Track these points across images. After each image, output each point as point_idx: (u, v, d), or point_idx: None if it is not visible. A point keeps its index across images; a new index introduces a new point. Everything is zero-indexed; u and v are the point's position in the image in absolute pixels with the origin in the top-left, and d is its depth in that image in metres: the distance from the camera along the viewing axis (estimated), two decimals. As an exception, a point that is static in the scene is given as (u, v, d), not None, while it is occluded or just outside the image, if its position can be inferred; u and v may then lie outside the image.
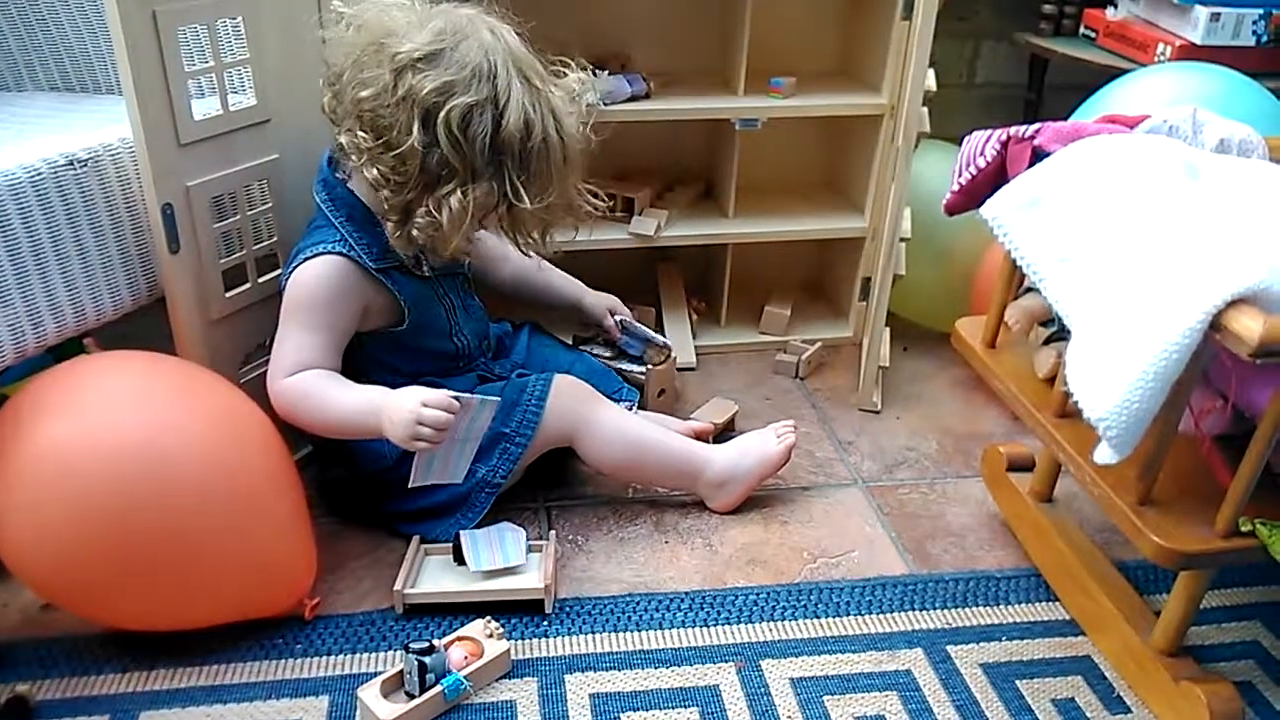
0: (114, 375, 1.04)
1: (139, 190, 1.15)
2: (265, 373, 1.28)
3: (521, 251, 1.23)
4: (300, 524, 1.12)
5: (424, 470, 1.15)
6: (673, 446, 1.32)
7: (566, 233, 1.24)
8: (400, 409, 1.10)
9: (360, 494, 1.28)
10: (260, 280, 1.27)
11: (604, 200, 1.25)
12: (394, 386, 1.15)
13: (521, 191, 1.12)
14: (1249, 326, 0.79)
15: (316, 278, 1.16)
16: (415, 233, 1.12)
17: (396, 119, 1.08)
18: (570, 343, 1.51)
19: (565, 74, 1.18)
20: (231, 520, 1.02)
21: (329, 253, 1.17)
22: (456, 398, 1.11)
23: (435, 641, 1.04)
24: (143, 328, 1.24)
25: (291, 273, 1.19)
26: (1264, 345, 0.78)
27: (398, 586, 1.13)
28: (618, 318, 1.51)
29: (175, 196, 1.13)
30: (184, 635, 1.08)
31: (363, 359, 1.22)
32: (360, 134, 1.11)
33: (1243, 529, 0.91)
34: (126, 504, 0.96)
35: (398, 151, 1.09)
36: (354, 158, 1.14)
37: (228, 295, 1.23)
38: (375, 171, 1.11)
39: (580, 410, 1.27)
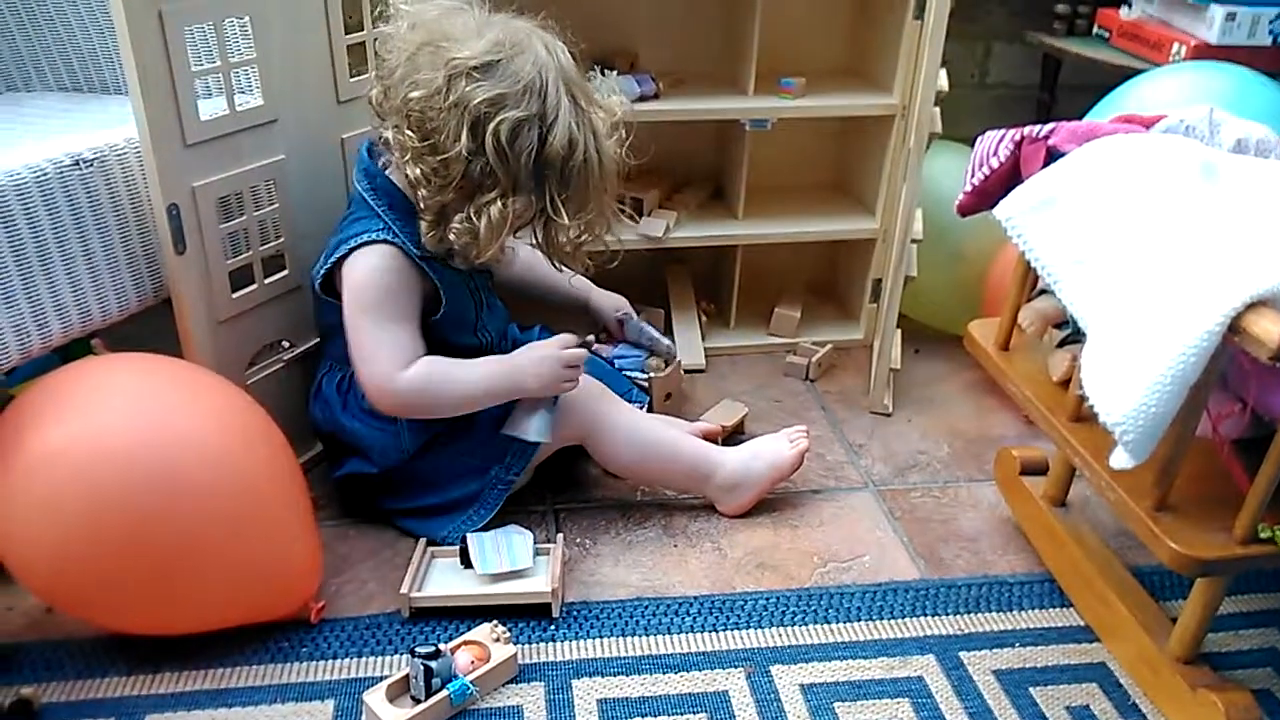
0: (118, 377, 1.03)
1: (145, 190, 1.14)
2: (273, 372, 1.30)
3: (554, 264, 1.24)
4: (306, 527, 1.11)
5: (522, 422, 1.22)
6: (685, 448, 1.31)
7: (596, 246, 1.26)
8: (542, 358, 1.20)
9: (372, 492, 1.27)
10: (267, 281, 1.27)
11: (635, 219, 1.28)
12: None
13: (560, 207, 1.14)
14: (1269, 329, 0.78)
15: (377, 269, 1.16)
16: (451, 235, 1.14)
17: (445, 123, 1.10)
18: None
19: (609, 97, 1.20)
20: (237, 524, 1.02)
21: (378, 241, 1.17)
22: (583, 342, 1.22)
23: (441, 645, 1.03)
24: (151, 328, 1.23)
25: (330, 264, 1.18)
26: (1285, 348, 0.77)
27: (404, 590, 1.13)
28: (622, 313, 1.49)
29: (181, 197, 1.13)
30: (189, 639, 1.07)
31: None
32: (407, 132, 1.12)
33: (1262, 535, 0.90)
34: (130, 507, 0.95)
35: (443, 156, 1.10)
36: (396, 153, 1.15)
37: (234, 296, 1.23)
38: (417, 171, 1.12)
39: (595, 409, 1.27)
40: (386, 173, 1.19)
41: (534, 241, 1.22)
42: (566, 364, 1.20)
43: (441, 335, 1.23)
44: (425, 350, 1.18)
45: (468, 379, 1.18)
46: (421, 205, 1.15)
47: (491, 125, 1.08)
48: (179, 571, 0.99)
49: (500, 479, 1.24)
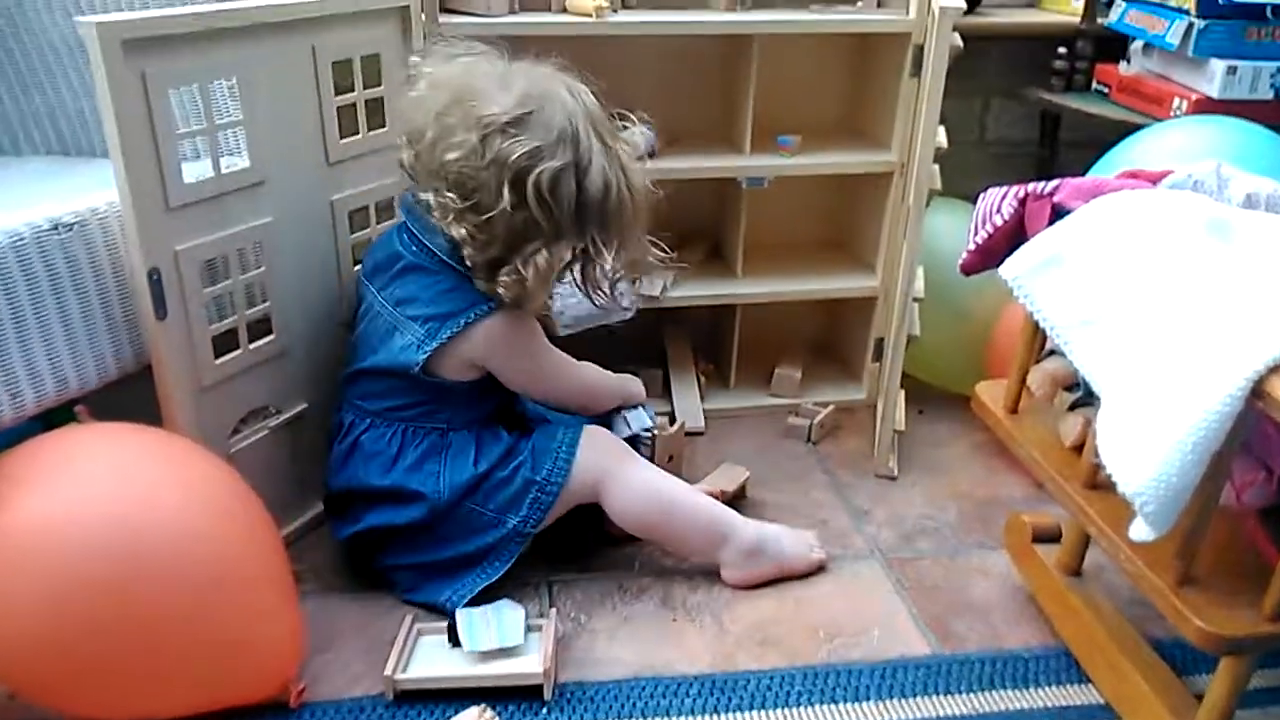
0: (89, 448, 0.99)
1: (126, 255, 1.11)
2: (257, 440, 1.26)
3: (590, 299, 1.25)
4: (286, 603, 1.06)
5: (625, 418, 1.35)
6: (703, 506, 1.27)
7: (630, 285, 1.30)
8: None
9: (380, 549, 1.23)
10: (252, 346, 1.23)
11: (666, 251, 1.28)
12: (462, 423, 1.22)
13: (601, 247, 1.17)
14: (1295, 394, 0.74)
15: (516, 327, 1.20)
16: (500, 290, 1.14)
17: (486, 181, 1.11)
18: None
19: (628, 128, 1.22)
20: (211, 601, 0.97)
21: (491, 314, 1.17)
22: None
23: (426, 732, 0.97)
24: (137, 395, 1.19)
25: (454, 334, 1.16)
26: (1312, 414, 0.73)
27: (388, 671, 1.07)
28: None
29: (163, 261, 1.10)
30: (160, 725, 1.01)
31: (454, 392, 1.20)
32: (448, 194, 1.13)
33: (1293, 611, 0.85)
34: (96, 585, 0.90)
35: (488, 214, 1.11)
36: (438, 214, 1.15)
37: (218, 362, 1.19)
38: (462, 230, 1.13)
39: (609, 463, 1.24)
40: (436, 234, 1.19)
41: (572, 279, 1.23)
42: None
43: (485, 390, 1.23)
44: None
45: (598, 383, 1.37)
46: (469, 263, 1.15)
47: (532, 178, 1.09)
48: (149, 653, 0.94)
49: (518, 531, 1.20)
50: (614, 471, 1.23)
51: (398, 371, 1.18)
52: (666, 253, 1.28)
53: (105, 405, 1.24)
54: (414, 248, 1.19)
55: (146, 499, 0.95)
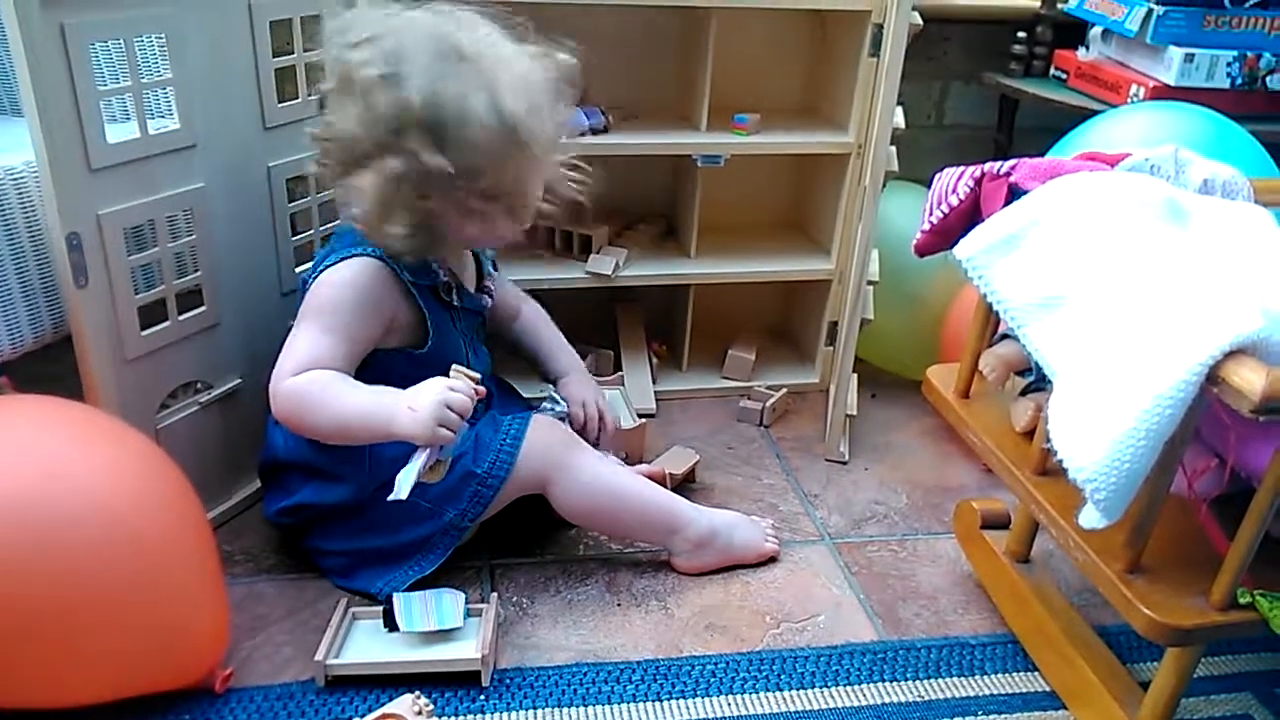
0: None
1: (45, 218, 1.05)
2: (187, 415, 1.21)
3: (474, 251, 1.20)
4: (212, 586, 1.01)
5: (412, 477, 1.02)
6: (653, 499, 1.23)
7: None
8: (424, 395, 1.03)
9: (307, 532, 1.18)
10: (182, 317, 1.18)
11: (582, 182, 1.17)
12: None
13: (449, 171, 1.03)
14: (1250, 380, 0.72)
15: (346, 279, 1.10)
16: (354, 224, 1.09)
17: (324, 96, 1.09)
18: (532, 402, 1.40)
19: (549, 55, 1.10)
20: (131, 582, 0.92)
21: (367, 255, 1.10)
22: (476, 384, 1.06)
23: (356, 720, 0.94)
24: (66, 366, 1.13)
25: (318, 275, 1.11)
26: (1267, 400, 0.71)
27: (319, 656, 1.03)
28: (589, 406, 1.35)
29: (84, 225, 1.04)
30: (78, 712, 0.96)
31: (374, 375, 1.12)
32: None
33: (1241, 601, 0.84)
34: (6, 567, 0.85)
35: (325, 129, 1.07)
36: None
37: (144, 334, 1.13)
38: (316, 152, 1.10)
39: (557, 454, 1.18)
40: None
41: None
42: (449, 405, 1.02)
43: (429, 373, 1.10)
44: (347, 374, 1.09)
45: (346, 402, 1.06)
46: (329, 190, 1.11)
47: (357, 83, 1.03)
48: (62, 637, 0.89)
49: (454, 525, 1.15)
50: (562, 465, 1.18)
51: None
52: (581, 182, 1.15)
53: (33, 377, 1.18)
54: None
55: (62, 473, 0.90)
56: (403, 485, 1.01)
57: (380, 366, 1.13)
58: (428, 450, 1.03)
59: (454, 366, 1.07)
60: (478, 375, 1.07)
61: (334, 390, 1.07)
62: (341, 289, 1.10)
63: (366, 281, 1.10)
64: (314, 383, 1.07)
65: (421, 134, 1.02)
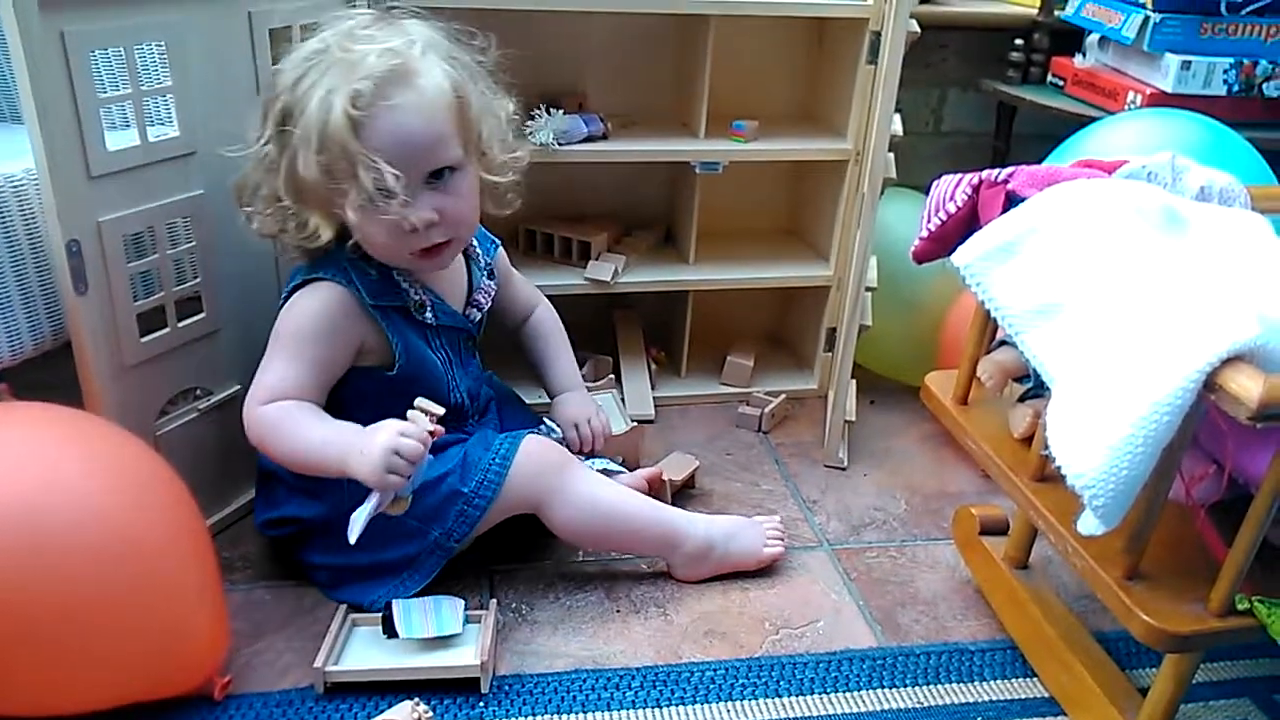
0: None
1: (45, 225, 1.05)
2: (186, 422, 1.21)
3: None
4: (211, 592, 1.01)
5: (364, 518, 1.02)
6: (650, 517, 1.21)
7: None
8: (376, 440, 1.02)
9: (298, 543, 1.18)
10: (181, 324, 1.18)
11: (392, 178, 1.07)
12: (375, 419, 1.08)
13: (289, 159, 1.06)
14: (1247, 387, 0.73)
15: (308, 309, 1.11)
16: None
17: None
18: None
19: (464, 41, 1.12)
20: (129, 589, 0.92)
21: (329, 280, 1.11)
22: (431, 432, 1.04)
23: (356, 727, 0.94)
24: (66, 374, 1.13)
25: (286, 299, 1.13)
26: (1264, 407, 0.72)
27: (318, 663, 1.03)
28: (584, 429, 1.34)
29: (84, 232, 1.04)
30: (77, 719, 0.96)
31: (350, 395, 1.13)
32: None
33: (1239, 607, 0.84)
34: (3, 571, 0.85)
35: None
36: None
37: (143, 340, 1.14)
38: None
39: (549, 477, 1.16)
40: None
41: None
42: (397, 451, 1.01)
43: (407, 391, 1.10)
44: (314, 401, 1.10)
45: (305, 436, 1.07)
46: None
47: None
48: (60, 644, 0.89)
49: (440, 545, 1.14)
50: (554, 487, 1.16)
51: None
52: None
53: (33, 384, 1.18)
54: None
55: (59, 480, 0.90)
56: (355, 526, 1.01)
57: (355, 387, 1.14)
58: (378, 494, 1.03)
59: (415, 403, 1.05)
60: (439, 411, 1.05)
61: (295, 422, 1.08)
62: (302, 319, 1.11)
63: (327, 309, 1.11)
64: (280, 412, 1.08)
65: (276, 120, 1.06)
